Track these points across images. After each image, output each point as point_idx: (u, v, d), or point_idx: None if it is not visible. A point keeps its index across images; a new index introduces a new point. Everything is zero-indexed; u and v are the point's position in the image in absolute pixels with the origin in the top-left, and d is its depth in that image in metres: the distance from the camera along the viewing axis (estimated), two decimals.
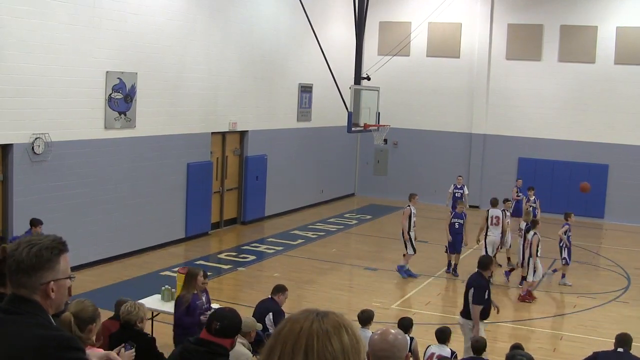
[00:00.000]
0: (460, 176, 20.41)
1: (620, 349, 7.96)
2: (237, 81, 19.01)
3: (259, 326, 8.17)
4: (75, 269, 11.38)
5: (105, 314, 7.15)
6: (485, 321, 10.09)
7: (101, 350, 4.10)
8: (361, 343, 2.10)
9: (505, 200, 16.67)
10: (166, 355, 7.21)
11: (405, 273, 15.46)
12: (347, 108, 17.64)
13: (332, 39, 22.79)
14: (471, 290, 9.96)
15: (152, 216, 16.30)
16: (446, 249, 16.00)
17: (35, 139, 13.11)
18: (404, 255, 15.68)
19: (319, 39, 17.93)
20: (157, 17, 15.94)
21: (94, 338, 4.97)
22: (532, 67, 23.82)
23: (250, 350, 6.93)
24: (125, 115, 15.23)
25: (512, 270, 15.68)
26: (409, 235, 15.41)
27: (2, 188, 13.03)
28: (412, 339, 8.55)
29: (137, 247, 15.96)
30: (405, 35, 24.01)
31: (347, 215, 22.59)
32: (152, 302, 10.25)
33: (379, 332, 3.25)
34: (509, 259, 16.41)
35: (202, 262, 15.64)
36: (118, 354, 4.40)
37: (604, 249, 19.10)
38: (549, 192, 22.54)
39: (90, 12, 14.14)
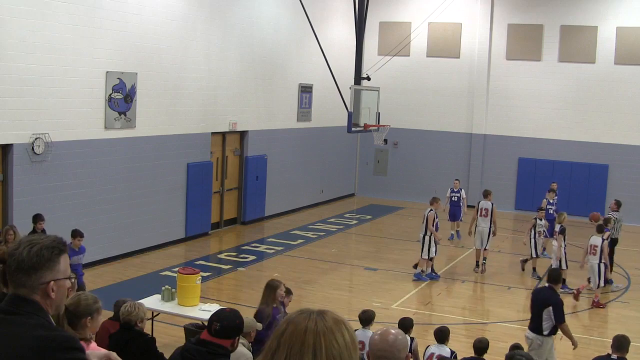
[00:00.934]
0: (457, 180, 20.07)
1: (614, 356, 7.90)
2: (237, 81, 19.01)
3: (259, 326, 8.15)
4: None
5: (105, 314, 7.14)
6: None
7: (101, 350, 4.09)
8: (356, 337, 2.18)
9: (539, 209, 16.32)
10: (166, 355, 7.21)
11: (428, 277, 15.12)
12: (347, 108, 17.64)
13: (332, 39, 22.78)
14: (549, 309, 9.47)
15: (152, 216, 16.29)
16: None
17: (35, 139, 13.11)
18: (416, 265, 15.35)
19: (319, 39, 17.94)
20: (158, 17, 15.94)
21: (92, 331, 4.91)
22: (532, 67, 23.82)
23: (250, 350, 6.93)
24: (125, 115, 15.23)
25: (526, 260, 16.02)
26: (430, 238, 15.09)
27: (2, 188, 13.03)
28: (412, 339, 8.54)
29: (137, 247, 15.96)
30: (405, 36, 24.01)
31: (347, 215, 22.59)
32: (152, 302, 10.25)
33: (379, 332, 3.24)
34: (522, 261, 16.38)
35: (202, 262, 15.65)
36: None
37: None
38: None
39: (91, 13, 14.14)
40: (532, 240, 15.76)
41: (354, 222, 21.79)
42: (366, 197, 25.85)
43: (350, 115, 17.53)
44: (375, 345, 3.15)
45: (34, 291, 2.80)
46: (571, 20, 23.30)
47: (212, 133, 18.28)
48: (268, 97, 20.56)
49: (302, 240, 18.57)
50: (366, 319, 8.83)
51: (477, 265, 16.13)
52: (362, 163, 26.60)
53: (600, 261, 13.76)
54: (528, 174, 23.94)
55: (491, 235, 16.10)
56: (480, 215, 16.10)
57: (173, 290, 10.34)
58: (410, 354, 5.52)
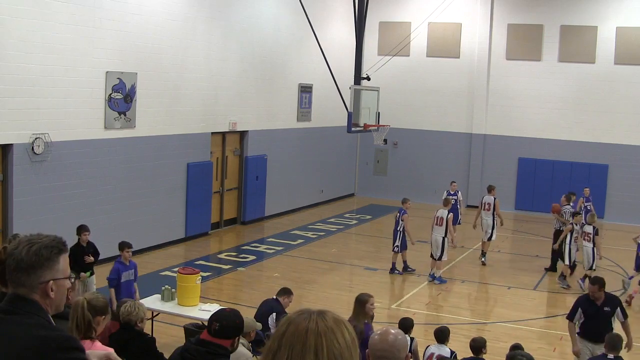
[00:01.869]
0: (454, 182, 19.94)
1: (610, 356, 7.91)
2: (237, 81, 19.01)
3: (259, 326, 8.16)
4: None
5: None
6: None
7: (101, 349, 4.09)
8: (356, 337, 2.19)
9: (575, 214, 15.75)
10: (166, 356, 7.22)
11: (438, 279, 15.05)
12: (347, 108, 17.63)
13: (332, 39, 22.78)
14: (617, 310, 9.43)
15: (152, 216, 16.29)
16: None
17: (35, 139, 13.11)
18: (434, 268, 15.25)
19: (319, 39, 17.93)
20: (158, 17, 15.94)
21: (99, 332, 4.95)
22: (532, 67, 23.82)
23: (250, 350, 6.93)
24: (125, 115, 15.23)
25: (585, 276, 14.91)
26: (447, 240, 15.11)
27: (2, 188, 13.02)
28: (412, 339, 8.54)
29: (137, 247, 15.89)
30: (405, 35, 24.01)
31: (347, 215, 22.59)
32: (152, 302, 10.26)
33: (379, 332, 3.24)
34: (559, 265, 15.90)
35: (202, 262, 15.66)
36: None
37: (604, 249, 19.04)
38: (549, 192, 22.55)
39: (91, 12, 14.14)
40: (567, 247, 15.16)
41: (354, 222, 21.79)
42: (366, 197, 25.84)
43: (350, 115, 17.53)
44: (375, 345, 3.15)
45: (33, 290, 2.79)
46: (571, 20, 23.30)
47: (212, 133, 18.28)
48: (268, 97, 20.56)
49: (302, 240, 18.57)
50: (405, 326, 8.64)
51: (483, 255, 16.88)
52: (362, 163, 26.60)
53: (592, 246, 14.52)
54: (528, 174, 23.94)
55: (496, 226, 16.88)
56: (484, 209, 17.01)
57: (173, 290, 10.34)
58: (410, 354, 5.51)
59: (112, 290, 10.32)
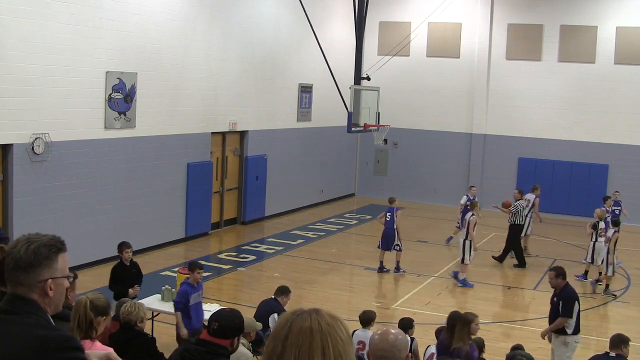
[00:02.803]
0: (473, 186, 19.29)
1: (612, 354, 7.93)
2: (237, 81, 19.01)
3: (259, 326, 8.16)
4: (75, 268, 11.37)
5: None
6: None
7: (101, 349, 4.08)
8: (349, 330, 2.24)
9: (616, 223, 15.59)
10: (166, 355, 7.21)
11: (462, 282, 14.91)
12: (347, 108, 17.63)
13: (332, 39, 22.78)
14: (560, 304, 9.64)
15: (151, 216, 16.29)
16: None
17: (35, 139, 13.11)
18: (456, 272, 15.23)
19: (319, 39, 17.93)
20: (158, 17, 15.94)
21: (99, 332, 4.95)
22: (532, 67, 23.81)
23: (250, 350, 6.93)
24: (125, 115, 15.23)
25: (597, 280, 15.09)
26: (470, 243, 14.97)
27: (2, 188, 13.02)
28: (412, 339, 8.53)
29: (137, 247, 15.88)
30: (405, 35, 24.00)
31: (347, 215, 22.59)
32: (152, 302, 10.26)
33: (379, 332, 3.24)
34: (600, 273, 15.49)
35: (202, 262, 15.56)
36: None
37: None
38: (549, 192, 22.52)
39: (91, 12, 14.14)
40: (613, 257, 14.80)
41: (354, 222, 21.78)
42: (366, 197, 25.84)
43: (350, 115, 17.53)
44: (376, 345, 3.15)
45: (31, 289, 2.78)
46: (571, 20, 23.29)
47: (212, 133, 18.28)
48: (268, 97, 20.56)
49: (302, 240, 18.57)
50: (366, 319, 8.83)
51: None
52: (362, 163, 26.60)
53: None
54: (528, 174, 23.90)
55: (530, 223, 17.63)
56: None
57: (173, 290, 10.34)
58: (410, 354, 5.50)
59: (179, 314, 9.37)
